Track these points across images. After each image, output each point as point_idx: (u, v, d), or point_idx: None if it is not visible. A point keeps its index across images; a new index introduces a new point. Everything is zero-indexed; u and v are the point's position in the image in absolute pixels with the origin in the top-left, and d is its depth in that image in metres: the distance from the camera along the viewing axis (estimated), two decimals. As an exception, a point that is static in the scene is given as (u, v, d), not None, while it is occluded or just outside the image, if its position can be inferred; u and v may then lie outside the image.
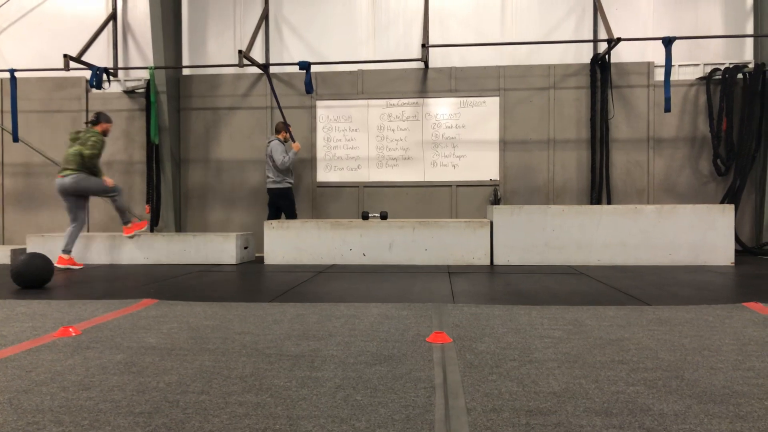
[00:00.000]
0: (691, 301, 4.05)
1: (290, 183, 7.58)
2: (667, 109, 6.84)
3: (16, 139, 7.96)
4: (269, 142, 7.50)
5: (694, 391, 2.10)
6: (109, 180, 6.56)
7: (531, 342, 2.86)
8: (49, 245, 7.13)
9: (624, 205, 7.15)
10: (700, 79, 7.89)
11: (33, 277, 4.89)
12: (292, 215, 7.58)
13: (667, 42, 6.80)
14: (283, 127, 7.60)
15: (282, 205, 7.55)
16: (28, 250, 7.21)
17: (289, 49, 8.56)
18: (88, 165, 6.38)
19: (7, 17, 8.91)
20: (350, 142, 8.32)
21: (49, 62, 8.62)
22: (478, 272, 5.91)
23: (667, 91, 6.81)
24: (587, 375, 2.31)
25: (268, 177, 7.52)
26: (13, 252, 7.22)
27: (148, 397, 2.09)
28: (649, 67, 7.95)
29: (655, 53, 7.95)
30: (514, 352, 2.68)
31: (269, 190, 7.55)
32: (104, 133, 6.60)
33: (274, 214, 7.66)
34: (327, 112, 8.37)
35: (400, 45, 8.40)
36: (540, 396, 2.07)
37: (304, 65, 7.42)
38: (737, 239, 7.56)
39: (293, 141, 7.73)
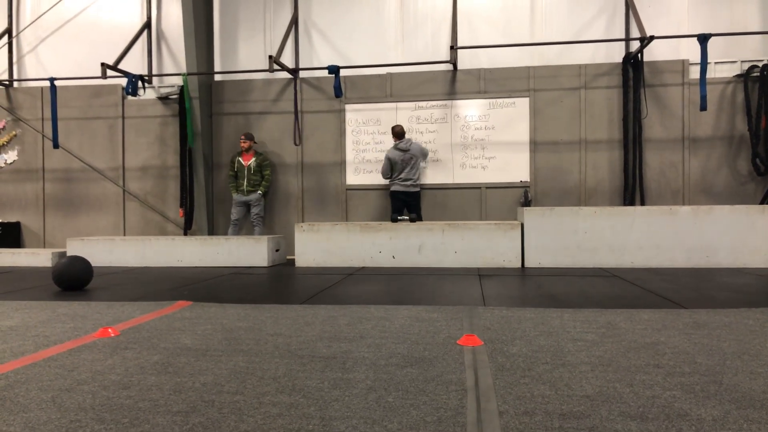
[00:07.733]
0: (730, 305, 3.94)
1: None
2: (703, 108, 6.68)
3: (56, 146, 8.23)
4: (409, 144, 7.42)
5: (733, 396, 2.06)
6: None
7: (563, 345, 2.83)
8: (89, 248, 7.34)
9: (658, 206, 7.00)
10: (738, 76, 7.68)
11: (73, 279, 5.05)
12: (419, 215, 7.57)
13: (703, 39, 6.64)
14: (401, 129, 7.53)
15: (414, 205, 7.52)
16: (69, 253, 7.43)
17: (318, 54, 8.64)
18: None
19: (46, 28, 9.22)
20: (379, 145, 8.34)
21: (86, 71, 8.88)
22: (508, 275, 5.86)
23: (702, 89, 6.65)
24: (621, 379, 2.28)
25: (410, 179, 7.43)
26: (54, 255, 7.45)
27: (185, 396, 2.14)
28: (684, 65, 7.77)
29: (690, 51, 7.77)
30: (546, 355, 2.65)
31: (411, 193, 7.50)
32: None
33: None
34: (356, 115, 8.41)
35: (429, 47, 8.39)
36: (573, 399, 2.05)
37: (333, 69, 7.48)
38: (778, 241, 7.33)
39: None
